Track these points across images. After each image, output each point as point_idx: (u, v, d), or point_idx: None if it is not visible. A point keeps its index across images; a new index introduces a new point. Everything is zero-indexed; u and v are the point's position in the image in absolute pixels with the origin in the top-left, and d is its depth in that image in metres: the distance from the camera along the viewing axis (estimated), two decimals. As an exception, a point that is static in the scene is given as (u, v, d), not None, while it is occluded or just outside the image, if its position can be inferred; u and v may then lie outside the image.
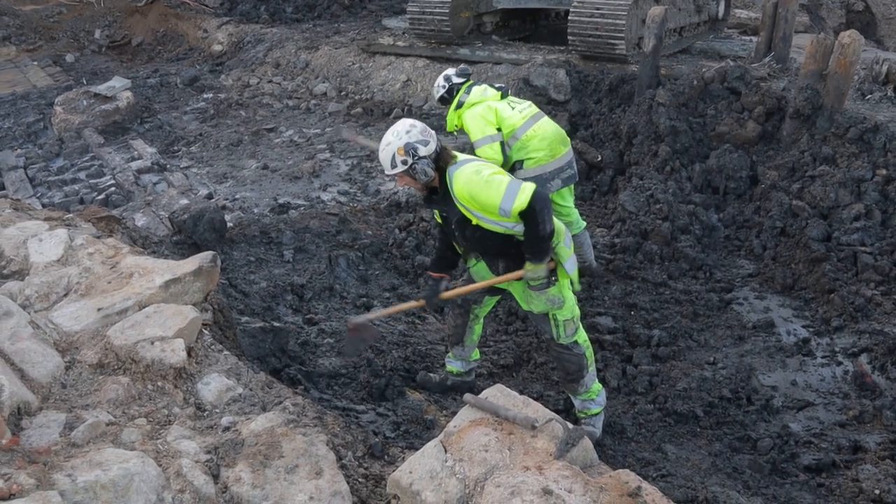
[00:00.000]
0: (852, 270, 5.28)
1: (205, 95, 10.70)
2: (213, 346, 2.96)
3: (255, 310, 4.47)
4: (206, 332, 3.03)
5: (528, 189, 3.19)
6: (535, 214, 3.20)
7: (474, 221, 3.32)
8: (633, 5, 7.98)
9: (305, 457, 2.36)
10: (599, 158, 6.95)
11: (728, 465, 3.80)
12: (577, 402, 3.86)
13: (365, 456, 2.66)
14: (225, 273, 4.85)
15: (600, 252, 5.74)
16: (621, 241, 5.88)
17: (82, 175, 7.70)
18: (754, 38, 9.66)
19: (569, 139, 4.97)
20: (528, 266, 3.38)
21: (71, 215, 4.14)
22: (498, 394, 2.53)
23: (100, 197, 6.98)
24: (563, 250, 3.43)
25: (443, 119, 8.86)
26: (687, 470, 3.73)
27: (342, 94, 10.19)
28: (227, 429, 2.51)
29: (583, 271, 5.35)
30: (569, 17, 8.29)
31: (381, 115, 9.39)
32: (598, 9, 8.02)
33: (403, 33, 10.77)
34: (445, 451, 2.31)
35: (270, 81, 10.90)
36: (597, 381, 3.83)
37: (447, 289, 3.72)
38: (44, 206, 6.72)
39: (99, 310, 2.96)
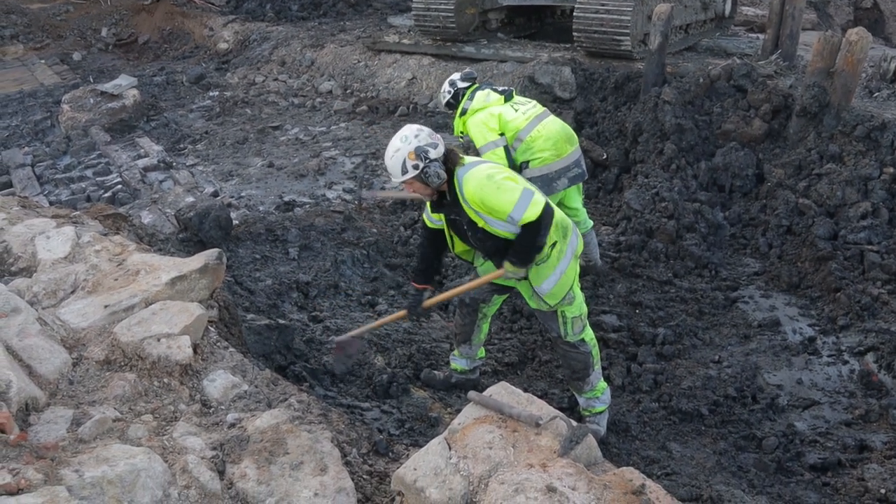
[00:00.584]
0: (859, 269, 5.26)
1: (211, 93, 10.73)
2: (218, 343, 2.97)
3: (260, 307, 4.49)
4: (211, 329, 3.04)
5: (539, 203, 3.20)
6: (539, 228, 3.24)
7: (481, 224, 3.31)
8: (638, 1, 7.96)
9: (310, 453, 2.38)
10: (605, 156, 6.94)
11: (733, 463, 3.80)
12: (581, 400, 3.86)
13: (369, 453, 2.67)
14: (231, 270, 4.87)
15: (605, 250, 5.73)
16: (626, 239, 5.87)
17: (89, 173, 7.73)
18: (761, 36, 9.62)
19: (576, 137, 4.95)
20: (508, 266, 3.40)
21: (78, 213, 4.16)
22: (502, 391, 2.53)
23: (106, 195, 7.01)
24: (545, 269, 3.41)
25: (447, 117, 8.89)
26: (691, 468, 3.73)
27: (347, 91, 10.20)
28: (232, 425, 2.52)
29: (588, 270, 5.36)
30: (574, 14, 8.27)
31: (386, 112, 9.40)
32: (603, 5, 8.01)
33: (409, 31, 10.77)
34: (450, 448, 2.31)
35: (276, 79, 10.92)
36: (602, 379, 3.84)
37: (429, 298, 3.74)
38: (51, 203, 6.76)
39: (106, 307, 2.97)
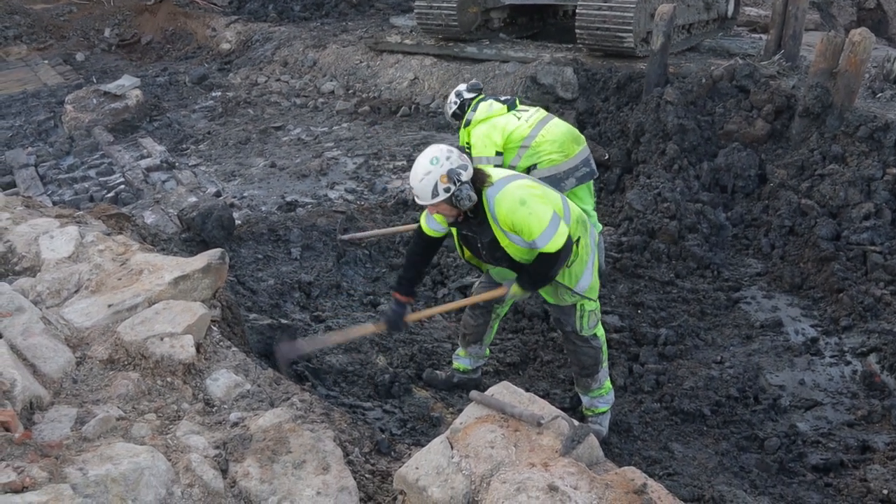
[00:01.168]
0: (861, 270, 5.25)
1: (213, 94, 10.75)
2: (221, 343, 2.98)
3: (262, 307, 4.50)
4: (214, 328, 3.05)
5: (563, 235, 3.21)
6: (556, 261, 3.26)
7: (505, 242, 3.30)
8: None
9: (313, 452, 2.38)
10: (607, 156, 6.94)
11: (735, 464, 3.80)
12: (585, 400, 3.87)
13: (372, 452, 2.68)
14: (233, 270, 4.88)
15: (607, 251, 5.73)
16: (628, 239, 5.87)
17: (92, 173, 7.75)
18: (764, 36, 9.61)
19: (583, 137, 4.97)
20: (515, 289, 3.43)
21: (81, 213, 4.18)
22: (504, 391, 2.53)
23: (109, 195, 7.02)
24: (578, 267, 3.45)
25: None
26: (693, 469, 3.73)
27: (350, 92, 10.22)
28: (235, 424, 2.53)
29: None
30: (577, 10, 8.28)
31: (388, 113, 9.41)
32: (606, 2, 8.01)
33: (411, 31, 10.78)
34: (452, 447, 2.32)
35: (278, 80, 10.93)
36: (609, 379, 3.85)
37: (412, 312, 3.68)
38: (54, 203, 6.77)
39: (109, 306, 2.98)
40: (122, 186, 7.23)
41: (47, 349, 2.64)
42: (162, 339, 2.75)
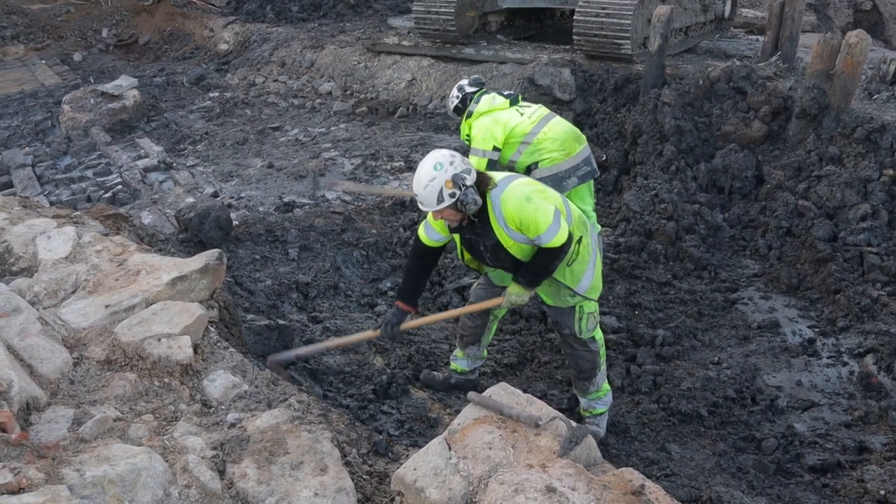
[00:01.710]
0: (858, 271, 5.27)
1: (211, 94, 10.74)
2: (219, 344, 2.98)
3: (260, 307, 4.49)
4: (212, 329, 3.05)
5: (565, 230, 3.22)
6: (558, 254, 3.26)
7: (509, 244, 3.29)
8: (638, 5, 7.97)
9: (310, 453, 2.38)
10: (604, 158, 6.95)
11: (732, 464, 3.81)
12: (583, 401, 3.87)
13: (369, 453, 2.68)
14: (231, 271, 4.88)
15: (605, 251, 5.74)
16: (626, 240, 5.88)
17: (89, 173, 7.73)
18: (761, 38, 9.64)
19: (584, 136, 4.97)
20: (514, 288, 3.40)
21: (79, 213, 4.17)
22: (502, 392, 2.54)
23: (107, 195, 7.01)
24: (579, 266, 3.44)
25: (446, 118, 8.90)
26: (691, 469, 3.74)
27: (347, 93, 10.21)
28: (232, 425, 2.52)
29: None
30: (574, 17, 8.28)
31: (385, 114, 9.41)
32: (603, 8, 8.02)
33: (409, 33, 10.79)
34: (449, 448, 2.32)
35: (276, 80, 10.93)
36: (606, 381, 3.85)
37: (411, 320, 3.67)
38: (52, 203, 6.76)
39: (107, 306, 2.98)
40: (120, 187, 7.22)
41: (44, 350, 2.64)
42: (159, 339, 2.75)
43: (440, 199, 3.12)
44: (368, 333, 3.77)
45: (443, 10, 9.31)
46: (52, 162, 8.16)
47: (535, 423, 2.33)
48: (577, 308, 3.55)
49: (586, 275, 3.45)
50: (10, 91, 11.48)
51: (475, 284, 3.95)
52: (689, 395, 4.22)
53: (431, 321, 3.70)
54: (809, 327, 4.95)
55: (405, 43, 10.29)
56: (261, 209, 6.62)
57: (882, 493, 3.44)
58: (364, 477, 2.50)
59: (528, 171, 4.75)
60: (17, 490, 1.91)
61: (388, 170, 7.50)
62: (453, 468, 2.24)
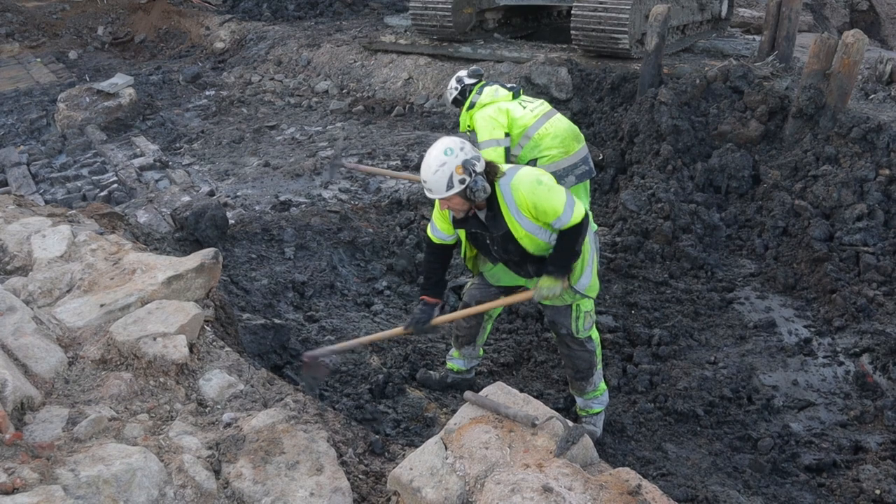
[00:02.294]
0: (854, 270, 5.27)
1: (207, 93, 10.71)
2: (214, 343, 2.97)
3: (256, 307, 4.48)
4: (207, 328, 3.04)
5: (581, 206, 3.21)
6: (579, 232, 3.23)
7: (520, 234, 3.24)
8: (636, 0, 7.97)
9: (306, 453, 2.37)
10: (601, 157, 6.95)
11: (728, 464, 3.81)
12: (579, 401, 3.87)
13: (365, 453, 2.67)
14: (226, 270, 4.86)
15: (602, 251, 5.74)
16: (622, 239, 5.88)
17: (85, 172, 7.71)
18: (757, 37, 9.64)
19: (582, 135, 4.96)
20: (545, 281, 3.33)
21: (74, 212, 4.15)
22: (498, 391, 2.53)
23: (102, 193, 6.99)
24: (579, 264, 3.41)
25: (443, 117, 8.89)
26: (687, 469, 3.74)
27: (344, 91, 10.19)
28: (228, 425, 2.52)
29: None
30: (572, 12, 8.28)
31: (382, 112, 9.40)
32: (601, 3, 8.02)
33: (405, 31, 10.77)
34: (446, 448, 2.31)
35: (272, 79, 10.90)
36: (603, 380, 3.85)
37: (439, 315, 3.64)
38: (47, 202, 6.73)
39: (102, 306, 2.96)
40: (115, 185, 7.20)
41: (39, 349, 2.63)
42: (155, 339, 2.74)
43: (450, 186, 3.07)
44: (398, 330, 3.73)
45: (440, 7, 9.30)
46: (48, 160, 8.13)
47: (532, 423, 2.33)
48: (574, 307, 3.54)
49: (586, 272, 3.44)
50: (6, 89, 11.44)
51: (469, 284, 3.94)
52: (686, 395, 4.22)
53: (461, 316, 3.68)
54: (805, 327, 4.96)
55: (402, 41, 10.28)
56: (257, 208, 6.60)
57: (877, 492, 3.45)
58: (360, 477, 2.49)
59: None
60: (11, 490, 1.90)
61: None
62: (450, 468, 2.24)
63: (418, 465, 2.29)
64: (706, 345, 4.81)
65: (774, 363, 4.59)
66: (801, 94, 6.31)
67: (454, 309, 4.42)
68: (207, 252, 3.32)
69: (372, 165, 5.84)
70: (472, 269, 3.80)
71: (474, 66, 5.31)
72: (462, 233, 3.51)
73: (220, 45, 12.61)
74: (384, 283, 5.31)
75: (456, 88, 4.94)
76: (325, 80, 10.52)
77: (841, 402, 4.24)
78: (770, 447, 3.86)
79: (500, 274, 3.66)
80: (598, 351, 3.73)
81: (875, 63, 7.63)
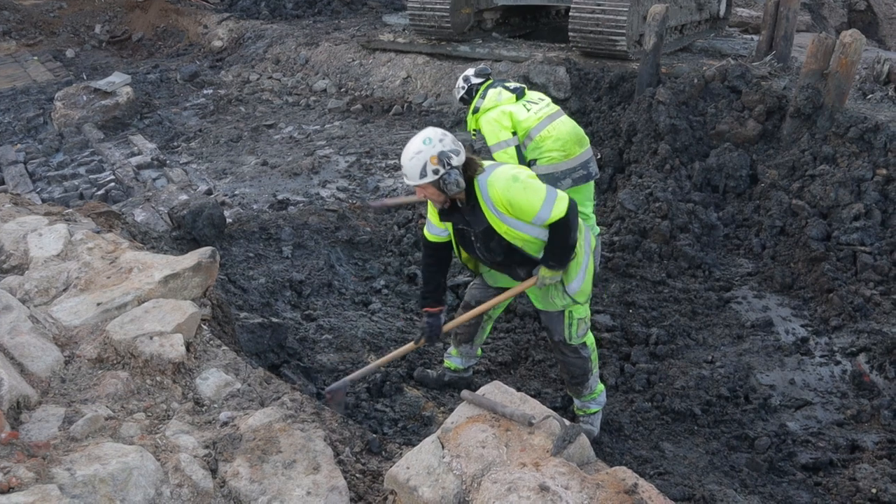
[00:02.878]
0: (851, 270, 5.28)
1: (205, 91, 10.69)
2: (211, 342, 2.96)
3: (253, 305, 4.48)
4: (204, 327, 3.03)
5: (563, 199, 3.18)
6: (568, 226, 3.20)
7: (503, 229, 3.24)
8: (634, 2, 7.97)
9: (303, 452, 2.37)
10: (599, 156, 6.95)
11: (725, 463, 3.81)
12: (577, 401, 3.87)
13: (362, 451, 2.67)
14: (224, 269, 4.86)
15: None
16: (620, 239, 5.88)
17: (82, 170, 7.70)
18: (755, 37, 9.66)
19: (587, 139, 4.94)
20: (545, 271, 3.32)
21: (70, 210, 4.14)
22: (495, 390, 2.53)
23: (99, 192, 6.98)
24: (573, 266, 3.40)
25: (442, 115, 8.88)
26: (684, 468, 3.74)
27: (342, 90, 10.19)
28: (225, 424, 2.51)
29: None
30: (570, 14, 8.28)
31: (380, 111, 9.39)
32: (599, 5, 8.02)
33: (403, 30, 10.76)
34: (443, 447, 2.31)
35: (270, 78, 10.89)
36: (599, 381, 3.84)
37: (446, 322, 3.65)
38: (43, 201, 6.72)
39: (98, 304, 2.96)
40: (113, 184, 7.19)
41: (35, 348, 2.62)
42: (151, 337, 2.73)
43: (423, 174, 3.11)
44: (410, 346, 3.73)
45: (438, 6, 9.30)
46: (45, 159, 8.12)
47: (529, 422, 2.33)
48: (567, 314, 3.50)
49: (578, 276, 3.41)
50: (2, 87, 11.41)
51: (471, 284, 3.94)
52: (683, 394, 4.23)
53: (468, 318, 3.68)
54: (802, 326, 4.96)
55: (400, 40, 10.27)
56: (254, 207, 6.60)
57: (874, 491, 3.45)
58: (357, 475, 2.49)
59: (527, 167, 4.74)
60: (7, 489, 1.89)
61: (383, 167, 7.49)
62: (446, 467, 2.24)
63: (415, 464, 2.29)
64: (703, 344, 4.82)
65: (771, 362, 4.60)
66: (799, 93, 6.31)
67: (453, 309, 4.42)
68: (204, 251, 3.31)
69: (389, 196, 5.84)
70: (472, 270, 3.79)
71: (482, 66, 5.33)
72: (450, 228, 3.49)
73: (218, 43, 12.59)
74: (382, 282, 5.31)
75: (463, 87, 5.01)
76: (324, 78, 10.51)
77: (838, 402, 4.25)
78: (767, 446, 3.86)
79: (497, 275, 3.66)
80: (594, 356, 3.70)
81: (873, 63, 7.63)
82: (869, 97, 7.14)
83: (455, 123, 8.31)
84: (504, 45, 9.60)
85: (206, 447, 2.36)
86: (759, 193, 6.17)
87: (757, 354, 4.67)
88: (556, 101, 7.91)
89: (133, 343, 2.70)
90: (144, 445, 2.27)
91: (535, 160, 4.74)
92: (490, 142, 4.75)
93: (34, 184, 7.39)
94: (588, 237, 3.53)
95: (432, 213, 3.50)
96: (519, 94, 4.81)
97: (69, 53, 13.56)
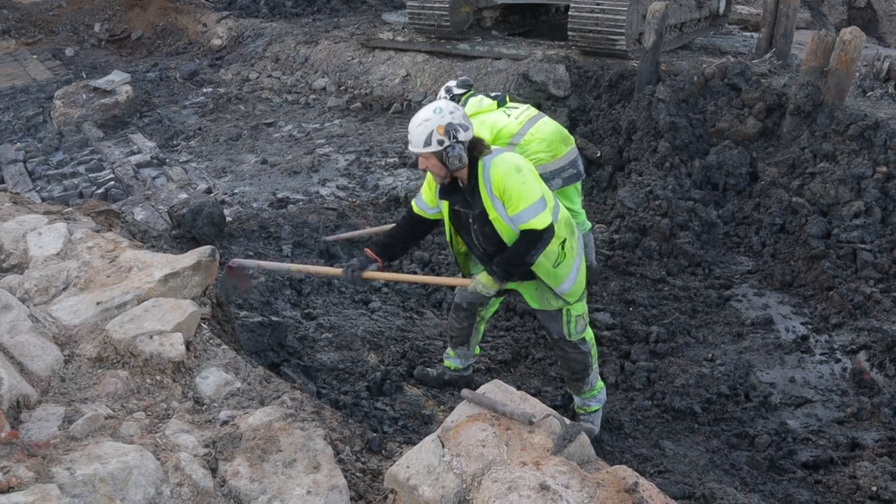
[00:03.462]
0: (851, 268, 5.28)
1: (204, 90, 10.68)
2: (211, 341, 2.96)
3: (253, 304, 4.47)
4: (204, 326, 3.03)
5: (548, 217, 3.16)
6: (537, 241, 3.18)
7: (493, 215, 3.22)
8: (633, 0, 7.96)
9: (303, 451, 2.37)
10: (599, 154, 6.95)
11: (726, 461, 3.81)
12: (577, 399, 3.86)
13: (363, 450, 2.67)
14: (224, 267, 4.85)
15: (599, 248, 5.74)
16: (620, 237, 5.88)
17: (81, 169, 7.69)
18: (755, 35, 9.64)
19: (572, 138, 4.94)
20: (485, 278, 3.31)
21: (70, 209, 4.14)
22: (495, 389, 2.53)
23: (99, 191, 6.97)
24: (563, 269, 3.38)
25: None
26: (684, 466, 3.74)
27: (341, 88, 10.17)
28: (225, 423, 2.51)
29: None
30: (569, 13, 8.27)
31: (380, 109, 9.38)
32: (598, 4, 8.01)
33: (403, 28, 10.75)
34: (443, 445, 2.31)
35: (270, 76, 10.88)
36: (599, 378, 3.84)
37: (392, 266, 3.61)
38: (43, 199, 6.72)
39: (98, 303, 2.96)
40: (112, 183, 7.18)
41: (35, 347, 2.62)
42: (151, 336, 2.73)
43: (427, 143, 3.08)
44: (333, 270, 3.71)
45: (437, 5, 9.28)
46: (44, 157, 8.11)
47: (529, 421, 2.33)
48: (564, 312, 3.50)
49: (569, 278, 3.40)
50: (2, 86, 11.40)
51: (458, 287, 3.93)
52: (683, 392, 4.22)
53: (395, 279, 3.65)
54: (803, 324, 4.96)
55: (399, 38, 10.26)
56: (254, 205, 6.59)
57: (874, 489, 3.45)
58: (357, 474, 2.49)
59: None
60: (7, 489, 1.89)
61: (382, 166, 7.48)
62: (446, 466, 2.23)
63: (415, 463, 2.28)
64: (704, 342, 4.82)
65: (771, 360, 4.60)
66: (799, 91, 6.30)
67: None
68: (204, 250, 3.31)
69: (365, 226, 5.79)
70: (462, 270, 3.78)
71: (463, 77, 5.33)
72: (445, 211, 3.46)
73: (217, 41, 12.57)
74: (381, 281, 5.30)
75: (445, 98, 4.97)
76: (323, 77, 10.49)
77: (838, 399, 4.25)
78: (767, 444, 3.86)
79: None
80: (594, 352, 3.71)
81: (872, 60, 7.63)
82: (869, 94, 7.13)
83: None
84: (503, 43, 9.59)
85: (206, 446, 2.36)
86: (759, 191, 6.17)
87: (757, 352, 4.67)
88: (556, 98, 7.94)
89: (133, 342, 2.70)
90: (144, 445, 2.27)
91: None
92: None
93: (34, 182, 7.38)
94: (579, 237, 3.50)
95: (427, 189, 3.48)
96: (500, 102, 4.79)
97: (68, 52, 13.54)
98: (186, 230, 5.20)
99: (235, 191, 6.98)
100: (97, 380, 2.60)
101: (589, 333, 3.68)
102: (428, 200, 3.52)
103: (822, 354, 4.63)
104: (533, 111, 4.86)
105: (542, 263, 3.32)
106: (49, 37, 14.58)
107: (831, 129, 6.17)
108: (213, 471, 2.28)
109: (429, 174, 3.36)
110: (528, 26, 11.03)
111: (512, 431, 2.32)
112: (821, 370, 4.50)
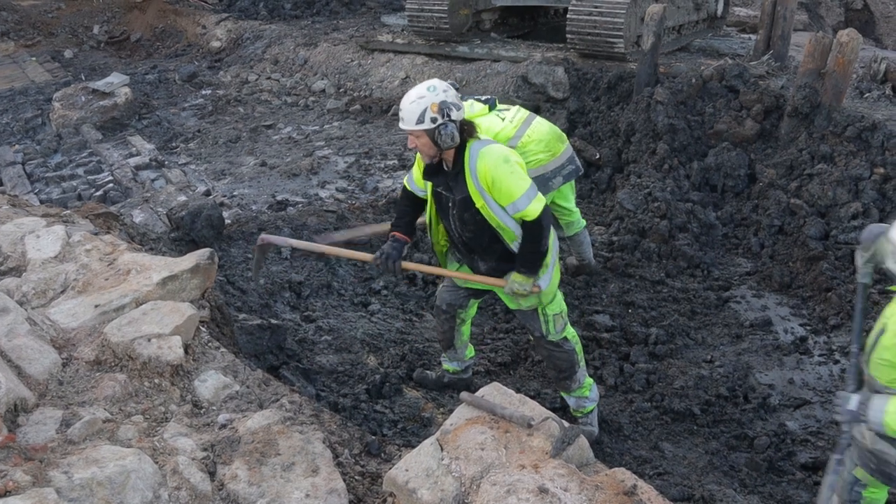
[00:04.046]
0: (850, 269, 5.28)
1: (203, 92, 10.68)
2: (210, 344, 2.96)
3: (252, 307, 4.47)
4: (203, 329, 3.03)
5: (541, 201, 3.17)
6: (541, 229, 3.20)
7: (479, 203, 3.20)
8: (631, 3, 7.97)
9: (302, 454, 2.37)
10: (598, 156, 6.95)
11: (725, 463, 3.81)
12: (571, 402, 3.85)
13: (362, 454, 2.66)
14: (222, 270, 4.85)
15: (598, 250, 5.74)
16: (619, 239, 5.88)
17: (80, 171, 7.68)
18: (753, 37, 9.66)
19: (565, 136, 4.96)
20: (516, 276, 3.32)
21: (68, 212, 4.13)
22: (494, 392, 2.53)
23: (98, 193, 6.97)
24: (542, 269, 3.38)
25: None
26: (683, 468, 3.74)
27: (341, 90, 10.18)
28: (223, 426, 2.51)
29: (581, 269, 5.37)
30: (567, 15, 8.28)
31: (379, 112, 9.38)
32: (596, 7, 8.02)
33: (402, 30, 10.76)
34: (442, 449, 2.31)
35: (269, 78, 10.88)
36: (588, 375, 3.82)
37: (406, 258, 3.62)
38: (41, 202, 6.71)
39: (96, 306, 2.95)
40: (111, 185, 7.18)
41: (32, 350, 2.62)
42: (149, 340, 2.73)
43: (420, 120, 3.06)
44: (365, 255, 3.66)
45: (436, 7, 9.29)
46: (43, 160, 8.11)
47: (528, 424, 2.32)
48: (541, 312, 3.50)
49: (544, 277, 3.40)
50: (0, 88, 11.39)
51: (440, 287, 3.92)
52: (682, 394, 4.22)
53: (432, 272, 3.68)
54: (801, 325, 4.96)
55: (399, 41, 10.26)
56: (253, 207, 6.59)
57: (873, 490, 3.45)
58: (356, 478, 2.49)
59: None
60: (4, 493, 1.89)
61: (382, 168, 7.48)
62: (445, 469, 2.23)
63: (414, 467, 2.28)
64: (702, 344, 4.82)
65: (770, 362, 4.60)
66: (797, 92, 6.31)
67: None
68: (203, 252, 3.30)
69: (339, 231, 5.72)
70: (441, 263, 3.76)
71: (449, 82, 5.32)
72: (429, 192, 3.44)
73: (216, 44, 12.57)
74: (381, 283, 5.30)
75: None
76: (322, 79, 10.50)
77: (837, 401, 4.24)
78: (766, 446, 3.86)
79: (465, 269, 3.65)
80: (578, 348, 3.69)
81: (870, 62, 7.64)
82: (866, 96, 7.14)
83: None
84: (502, 45, 9.59)
85: (205, 450, 2.36)
86: (758, 193, 6.17)
87: (756, 354, 4.67)
88: (554, 101, 7.95)
89: (131, 345, 2.70)
90: (142, 448, 2.27)
91: None
92: None
93: (32, 185, 7.38)
94: (555, 239, 3.49)
95: (416, 169, 3.48)
96: (491, 105, 4.77)
97: (67, 54, 13.53)
98: (185, 233, 5.20)
99: (234, 193, 6.98)
100: (95, 383, 2.59)
101: (570, 332, 3.66)
102: (417, 181, 3.52)
103: (820, 356, 4.64)
104: (525, 113, 4.83)
105: (498, 257, 3.35)
106: (48, 39, 14.58)
107: (829, 131, 6.17)
108: (212, 474, 2.27)
109: (418, 154, 3.34)
110: (526, 29, 11.04)
111: (511, 434, 2.32)
112: (819, 371, 4.50)
